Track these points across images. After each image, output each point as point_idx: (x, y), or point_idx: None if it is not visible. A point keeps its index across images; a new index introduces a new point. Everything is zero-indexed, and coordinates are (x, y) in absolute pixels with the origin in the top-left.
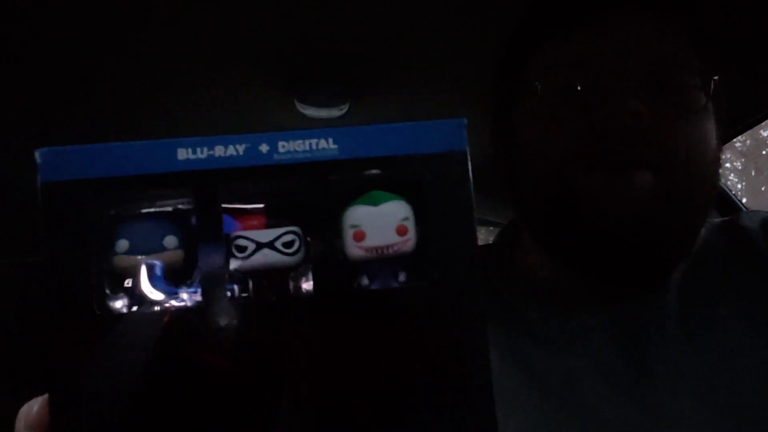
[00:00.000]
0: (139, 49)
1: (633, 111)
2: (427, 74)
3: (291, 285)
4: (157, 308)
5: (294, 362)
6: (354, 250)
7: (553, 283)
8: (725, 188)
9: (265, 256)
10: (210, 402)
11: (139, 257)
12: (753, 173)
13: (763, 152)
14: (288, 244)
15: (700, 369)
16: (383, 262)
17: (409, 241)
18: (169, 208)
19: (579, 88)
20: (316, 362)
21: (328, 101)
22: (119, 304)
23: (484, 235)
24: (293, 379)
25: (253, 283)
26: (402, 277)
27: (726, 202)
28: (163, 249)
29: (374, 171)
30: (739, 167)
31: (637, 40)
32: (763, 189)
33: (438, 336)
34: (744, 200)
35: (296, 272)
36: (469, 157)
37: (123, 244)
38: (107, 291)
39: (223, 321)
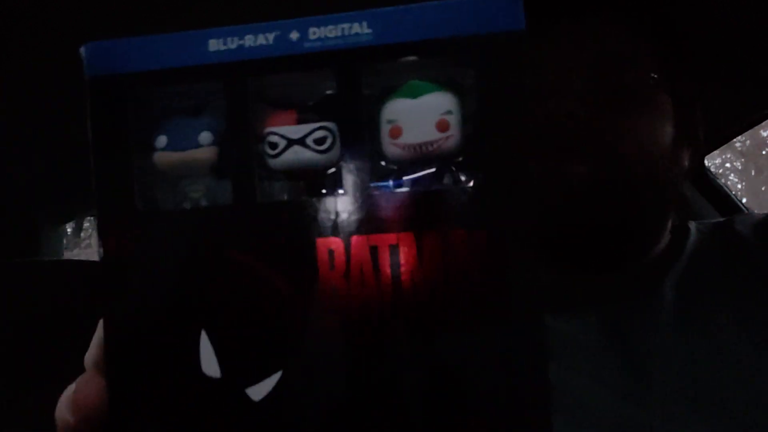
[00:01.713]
0: None
1: (569, 112)
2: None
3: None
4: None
5: (326, 266)
6: (391, 148)
7: (546, 287)
8: (725, 188)
9: (296, 153)
10: (245, 302)
11: (176, 154)
12: (753, 173)
13: (763, 152)
14: (320, 141)
15: (694, 372)
16: (424, 161)
17: (451, 138)
18: (204, 103)
19: (523, 90)
20: (349, 269)
21: None
22: (162, 200)
23: None
24: (325, 283)
25: (288, 183)
26: (446, 180)
27: (726, 202)
28: (198, 145)
29: (413, 57)
30: (739, 167)
31: (582, 42)
32: (763, 189)
33: (481, 249)
34: (744, 200)
35: (334, 172)
36: (526, 38)
37: (162, 140)
38: (148, 186)
39: (255, 222)
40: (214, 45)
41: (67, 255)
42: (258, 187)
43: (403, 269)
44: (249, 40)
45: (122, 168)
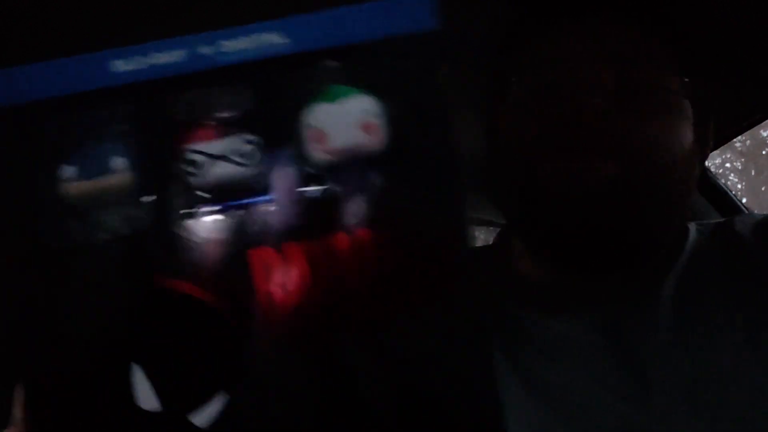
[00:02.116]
0: None
1: (599, 110)
2: None
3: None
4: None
5: (262, 278)
6: (316, 153)
7: (545, 287)
8: (725, 188)
9: (219, 168)
10: (178, 328)
11: (87, 183)
12: (753, 173)
13: (763, 152)
14: (243, 154)
15: (694, 373)
16: (349, 166)
17: (376, 140)
18: (113, 127)
19: (553, 84)
20: (285, 275)
21: None
22: (73, 234)
23: (485, 235)
24: (263, 295)
25: (213, 200)
26: (375, 181)
27: (726, 202)
28: (112, 171)
29: (331, 63)
30: (739, 167)
31: (611, 41)
32: (763, 189)
33: (419, 244)
34: (744, 200)
35: (258, 184)
36: (442, 38)
37: (70, 170)
38: (59, 220)
39: (183, 243)
40: (119, 66)
41: None
42: (180, 208)
43: (339, 270)
44: (156, 58)
45: (26, 205)
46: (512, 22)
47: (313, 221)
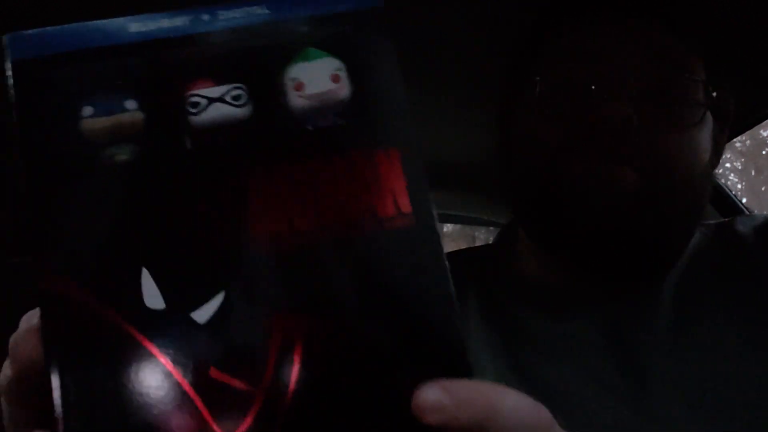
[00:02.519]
0: None
1: (624, 118)
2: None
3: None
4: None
5: (247, 205)
6: (296, 99)
7: (546, 287)
8: (725, 188)
9: (217, 109)
10: (181, 235)
11: (104, 119)
12: (753, 173)
13: (763, 152)
14: (236, 98)
15: (693, 375)
16: (322, 109)
17: (343, 89)
18: (128, 76)
19: (577, 85)
20: (269, 203)
21: None
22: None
23: (485, 235)
24: (249, 222)
25: (209, 139)
26: (341, 122)
27: (726, 203)
28: (125, 110)
29: (303, 29)
30: (739, 167)
31: (642, 44)
32: (763, 189)
33: (377, 166)
34: (744, 200)
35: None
36: (384, 12)
37: (88, 110)
38: (77, 152)
39: (179, 172)
40: (135, 27)
41: None
42: (186, 140)
43: (320, 191)
44: (165, 22)
45: (53, 134)
46: (538, 17)
47: (298, 149)
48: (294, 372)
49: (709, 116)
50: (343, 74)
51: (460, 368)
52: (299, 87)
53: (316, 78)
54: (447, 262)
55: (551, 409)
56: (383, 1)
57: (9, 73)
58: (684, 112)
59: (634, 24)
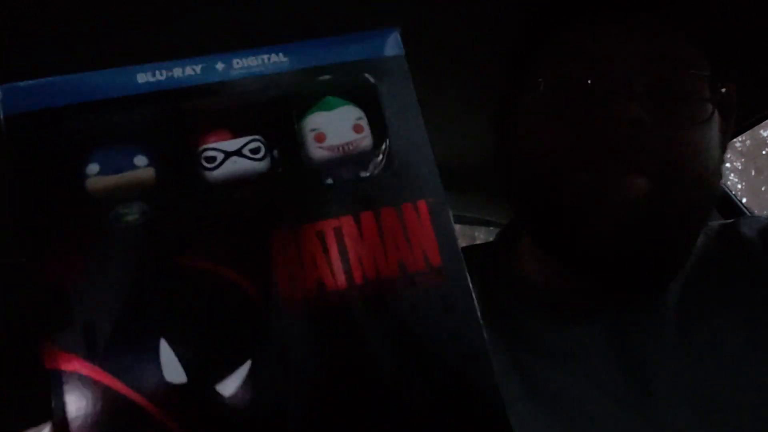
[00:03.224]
0: None
1: (633, 118)
2: (423, 74)
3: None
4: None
5: (272, 267)
6: (317, 151)
7: (550, 290)
8: (725, 188)
9: (234, 163)
10: (202, 303)
11: (111, 177)
12: (753, 173)
13: (763, 152)
14: (254, 151)
15: (698, 380)
16: (345, 161)
17: (366, 139)
18: (136, 130)
19: (582, 85)
20: (296, 263)
21: None
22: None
23: (485, 235)
24: (281, 271)
25: (226, 195)
26: (363, 174)
27: (726, 203)
28: (135, 167)
29: (325, 78)
30: (739, 167)
31: (646, 43)
32: (763, 189)
33: (405, 220)
34: (744, 200)
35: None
36: (406, 61)
37: (93, 168)
38: (82, 215)
39: (206, 226)
40: (143, 78)
41: None
42: (202, 198)
43: (349, 248)
44: (177, 72)
45: (57, 194)
46: (538, 17)
47: (323, 205)
48: None
49: (716, 114)
50: (365, 123)
51: (500, 428)
52: (320, 138)
53: (338, 128)
54: (479, 315)
55: (555, 414)
56: (403, 49)
57: (2, 129)
58: (692, 109)
59: (636, 22)
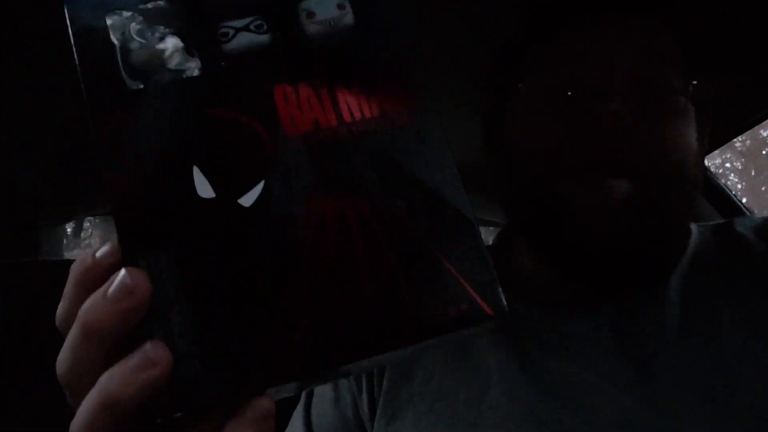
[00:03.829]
0: None
1: (614, 113)
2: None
3: None
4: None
5: (277, 111)
6: (310, 26)
7: (551, 287)
8: (725, 188)
9: (243, 36)
10: (226, 139)
11: (151, 48)
12: (753, 173)
13: (763, 152)
14: (258, 27)
15: (700, 370)
16: (332, 34)
17: (347, 15)
18: (170, 15)
19: (566, 84)
20: (296, 108)
21: None
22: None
23: (485, 235)
24: (281, 123)
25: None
26: (349, 43)
27: (726, 203)
28: (168, 39)
29: None
30: (739, 167)
31: (625, 41)
32: (763, 189)
33: (386, 72)
34: (744, 200)
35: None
36: None
37: (136, 43)
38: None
39: (223, 81)
40: None
41: (67, 255)
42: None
43: (337, 95)
44: None
45: (108, 58)
46: (521, 22)
47: (311, 65)
48: (329, 245)
49: (690, 107)
50: (346, 2)
51: (469, 226)
52: (311, 15)
53: (324, 7)
54: (450, 151)
55: (560, 406)
56: None
57: (67, 20)
58: (670, 103)
59: (618, 21)
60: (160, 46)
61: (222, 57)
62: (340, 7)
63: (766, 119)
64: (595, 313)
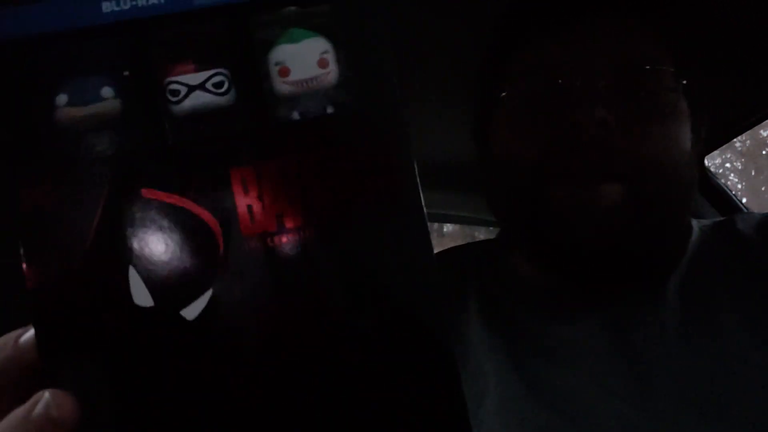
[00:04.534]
0: None
1: (599, 120)
2: (423, 73)
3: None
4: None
5: (234, 203)
6: (281, 86)
7: (548, 290)
8: (725, 188)
9: (198, 97)
10: (167, 233)
11: (80, 108)
12: (753, 173)
13: (763, 152)
14: (218, 85)
15: (700, 377)
16: (310, 96)
17: (330, 74)
18: (102, 61)
19: (546, 93)
20: (257, 200)
21: None
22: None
23: (485, 236)
24: (237, 220)
25: (190, 129)
26: (330, 110)
27: (726, 203)
28: (101, 99)
29: (291, 9)
30: (739, 167)
31: (606, 44)
32: (763, 189)
33: (368, 158)
34: (744, 200)
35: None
36: None
37: (63, 98)
38: (54, 141)
39: (169, 161)
40: (107, 6)
41: None
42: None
43: (309, 185)
44: (141, 1)
45: (27, 125)
46: (503, 29)
47: (282, 143)
48: (281, 364)
49: (683, 106)
50: (331, 57)
51: (442, 357)
52: (284, 72)
53: (302, 62)
54: (433, 252)
55: (556, 412)
56: None
57: None
58: (657, 105)
59: (598, 25)
60: (92, 105)
61: (169, 122)
62: (322, 64)
63: (766, 119)
64: (592, 317)
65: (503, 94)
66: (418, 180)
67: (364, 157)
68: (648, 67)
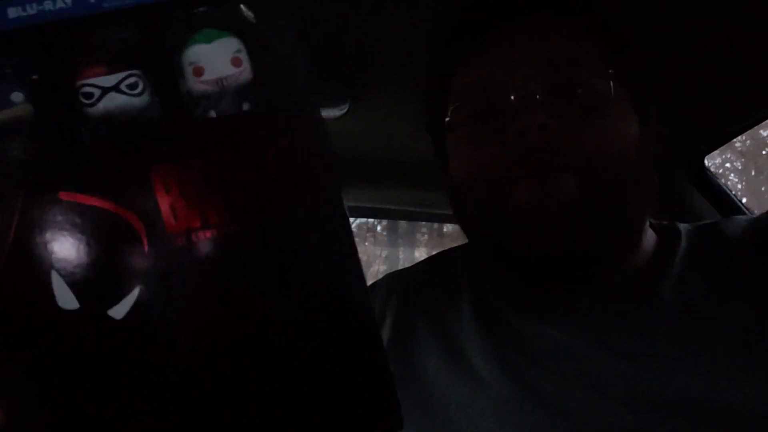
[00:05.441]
0: None
1: (541, 125)
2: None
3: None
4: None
5: (157, 203)
6: (196, 85)
7: (536, 293)
8: (725, 188)
9: (112, 99)
10: (89, 235)
11: None
12: (753, 173)
13: (763, 152)
14: (132, 86)
15: (692, 380)
16: (226, 94)
17: (244, 72)
18: (11, 66)
19: (488, 112)
20: (179, 199)
21: (328, 101)
22: None
23: None
24: (160, 219)
25: (106, 131)
26: (245, 107)
27: (726, 202)
28: (12, 104)
29: (201, 8)
30: (739, 167)
31: (534, 50)
32: (763, 189)
33: (284, 151)
34: (744, 200)
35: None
36: None
37: None
38: None
39: (87, 162)
40: (14, 12)
41: None
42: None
43: (229, 180)
44: (48, 5)
45: None
46: (441, 49)
47: (200, 141)
48: (212, 356)
49: (622, 97)
50: (243, 56)
51: (368, 340)
52: (199, 72)
53: (216, 61)
54: (354, 241)
55: (547, 414)
56: None
57: None
58: (593, 98)
59: (523, 35)
60: (2, 111)
61: (85, 125)
62: (235, 62)
63: (766, 119)
64: (580, 319)
65: (447, 119)
66: (334, 169)
67: (280, 150)
68: (573, 61)
